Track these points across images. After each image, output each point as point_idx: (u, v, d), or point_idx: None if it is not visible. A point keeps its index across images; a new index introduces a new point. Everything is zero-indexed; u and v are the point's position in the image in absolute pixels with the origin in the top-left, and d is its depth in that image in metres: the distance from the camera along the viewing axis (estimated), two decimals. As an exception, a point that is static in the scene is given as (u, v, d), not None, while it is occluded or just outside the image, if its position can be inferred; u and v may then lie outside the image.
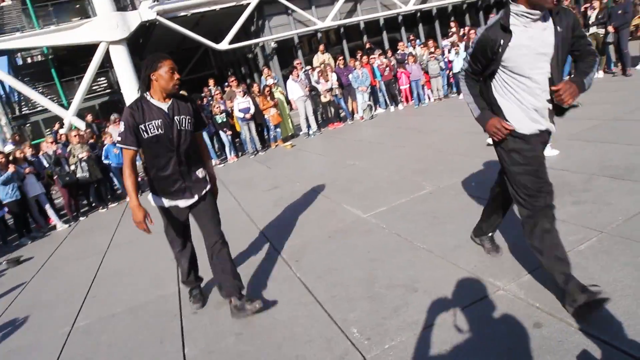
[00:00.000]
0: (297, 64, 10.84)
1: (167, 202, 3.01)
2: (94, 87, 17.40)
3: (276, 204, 5.73)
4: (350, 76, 10.91)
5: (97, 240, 6.39)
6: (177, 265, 3.48)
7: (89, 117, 11.64)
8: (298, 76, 10.35)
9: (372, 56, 11.38)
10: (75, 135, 7.95)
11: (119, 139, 2.78)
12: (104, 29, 14.29)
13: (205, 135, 9.29)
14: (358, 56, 11.28)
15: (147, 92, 2.81)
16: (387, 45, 18.43)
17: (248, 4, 17.08)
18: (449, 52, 10.71)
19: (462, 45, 10.15)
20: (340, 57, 11.45)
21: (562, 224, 3.18)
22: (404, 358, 2.27)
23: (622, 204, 3.28)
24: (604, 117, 5.79)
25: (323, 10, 18.67)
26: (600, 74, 8.73)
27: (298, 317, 2.91)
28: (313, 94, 10.76)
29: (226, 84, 11.46)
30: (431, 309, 2.60)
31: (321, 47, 13.25)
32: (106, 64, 16.98)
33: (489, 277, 2.78)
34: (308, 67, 12.01)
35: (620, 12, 7.93)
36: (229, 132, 9.83)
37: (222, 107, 9.73)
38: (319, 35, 19.11)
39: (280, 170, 7.80)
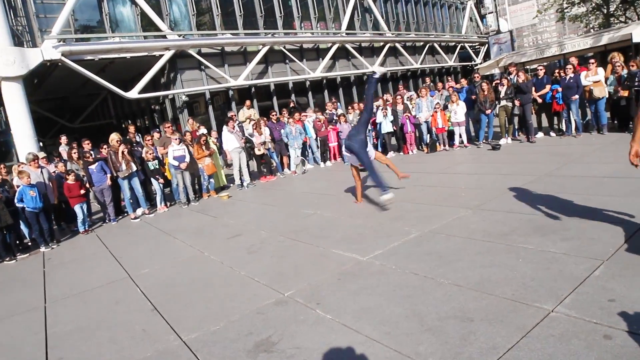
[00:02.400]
0: (232, 115, 10.83)
1: None
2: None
3: (250, 251, 5.50)
4: (282, 132, 11.19)
5: (21, 295, 5.38)
6: None
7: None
8: (234, 127, 10.31)
9: (303, 113, 11.91)
10: (-16, 176, 6.78)
11: None
12: (-2, 63, 12.75)
13: (136, 182, 8.66)
14: (285, 113, 11.74)
15: None
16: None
17: (161, 55, 16.79)
18: (375, 114, 11.64)
19: (389, 109, 11.18)
20: (273, 112, 11.73)
21: (566, 257, 3.69)
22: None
23: (604, 238, 3.90)
24: (535, 174, 6.72)
25: (236, 69, 19.11)
26: (508, 140, 10.29)
27: (365, 356, 2.83)
28: (247, 146, 10.76)
29: (157, 130, 11.00)
30: (500, 335, 2.76)
31: (247, 102, 13.53)
32: (-9, 102, 14.90)
33: (533, 302, 3.06)
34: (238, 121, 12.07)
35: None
36: (161, 180, 9.24)
37: (155, 154, 9.18)
38: (230, 92, 19.34)
39: (231, 220, 7.49)
